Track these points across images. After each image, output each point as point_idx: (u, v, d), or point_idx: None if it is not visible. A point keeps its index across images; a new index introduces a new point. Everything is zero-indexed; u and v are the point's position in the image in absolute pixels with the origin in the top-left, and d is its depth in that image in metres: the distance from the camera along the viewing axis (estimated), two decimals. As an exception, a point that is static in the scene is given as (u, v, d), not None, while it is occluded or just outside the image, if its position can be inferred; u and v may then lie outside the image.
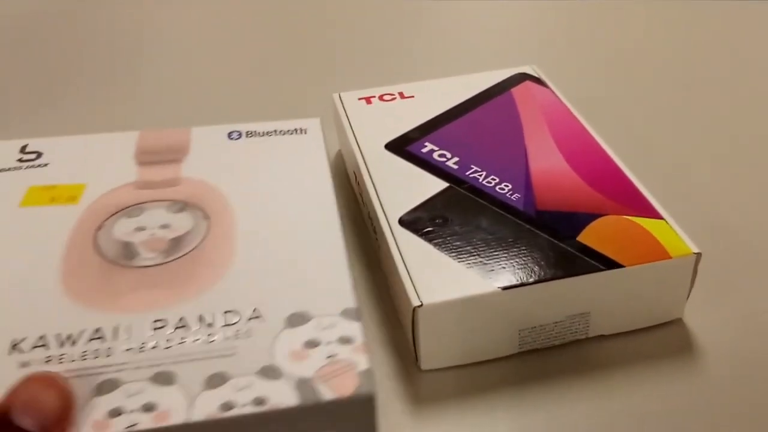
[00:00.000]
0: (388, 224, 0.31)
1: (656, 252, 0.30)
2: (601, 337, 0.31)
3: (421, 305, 0.28)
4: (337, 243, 0.26)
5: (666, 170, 0.41)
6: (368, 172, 0.34)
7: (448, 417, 0.28)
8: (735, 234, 0.36)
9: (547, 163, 0.35)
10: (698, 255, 0.30)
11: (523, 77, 0.42)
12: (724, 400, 0.28)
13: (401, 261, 0.30)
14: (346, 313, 0.24)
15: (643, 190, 0.33)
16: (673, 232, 0.30)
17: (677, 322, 0.31)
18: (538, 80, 0.41)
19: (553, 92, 0.40)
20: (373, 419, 0.21)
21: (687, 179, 0.40)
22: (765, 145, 0.43)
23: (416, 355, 0.29)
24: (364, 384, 0.21)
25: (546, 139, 0.36)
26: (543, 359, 0.30)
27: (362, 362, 0.22)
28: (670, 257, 0.29)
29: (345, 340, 0.23)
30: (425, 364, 0.29)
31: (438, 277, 0.29)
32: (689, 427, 0.27)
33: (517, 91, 0.41)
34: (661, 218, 0.31)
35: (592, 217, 0.31)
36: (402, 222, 0.31)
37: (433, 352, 0.29)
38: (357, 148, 0.36)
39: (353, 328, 0.23)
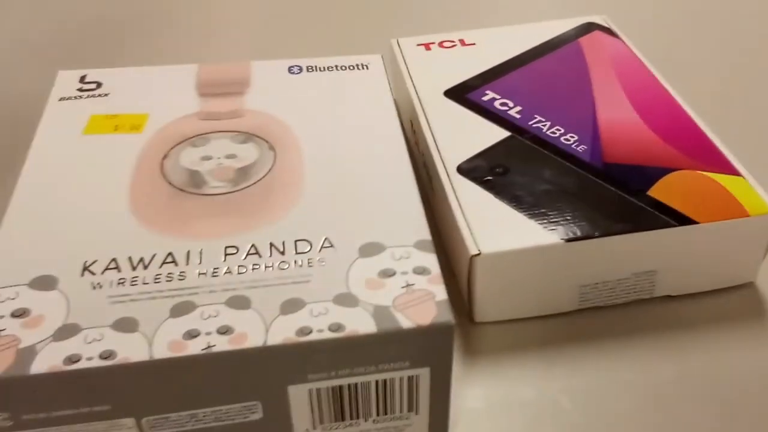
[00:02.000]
0: (446, 172, 0.30)
1: (732, 209, 0.28)
2: (667, 298, 0.29)
3: (479, 254, 0.26)
4: (407, 175, 0.26)
5: (745, 126, 0.38)
6: (426, 118, 0.33)
7: (500, 372, 0.27)
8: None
9: (617, 115, 0.33)
10: (779, 215, 0.28)
11: (592, 27, 0.40)
12: (799, 369, 0.26)
13: (459, 209, 0.28)
14: (420, 245, 0.23)
15: (719, 145, 0.31)
16: (752, 189, 0.28)
17: (749, 286, 0.30)
18: (608, 30, 0.39)
19: (624, 43, 0.38)
20: (450, 350, 0.21)
21: (764, 131, 0.38)
22: None
23: (470, 307, 0.28)
24: (442, 313, 0.21)
25: (616, 90, 0.34)
26: (604, 317, 0.28)
27: (439, 292, 0.21)
28: (748, 215, 0.27)
29: (420, 271, 0.22)
30: (479, 316, 0.28)
31: (497, 227, 0.27)
32: (758, 396, 0.26)
33: (585, 40, 0.38)
34: (739, 174, 0.29)
35: (664, 171, 0.29)
36: (461, 170, 0.30)
37: (489, 304, 0.28)
38: (415, 94, 0.35)
39: (428, 259, 0.22)
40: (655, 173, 0.29)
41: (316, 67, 0.31)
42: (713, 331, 0.28)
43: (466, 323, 0.29)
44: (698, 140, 0.31)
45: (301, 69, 0.31)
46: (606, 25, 0.40)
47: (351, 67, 0.31)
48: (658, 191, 0.29)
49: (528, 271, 0.27)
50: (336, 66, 0.31)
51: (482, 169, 0.30)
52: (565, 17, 0.48)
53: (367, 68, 0.31)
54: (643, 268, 0.28)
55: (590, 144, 0.31)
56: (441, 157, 0.31)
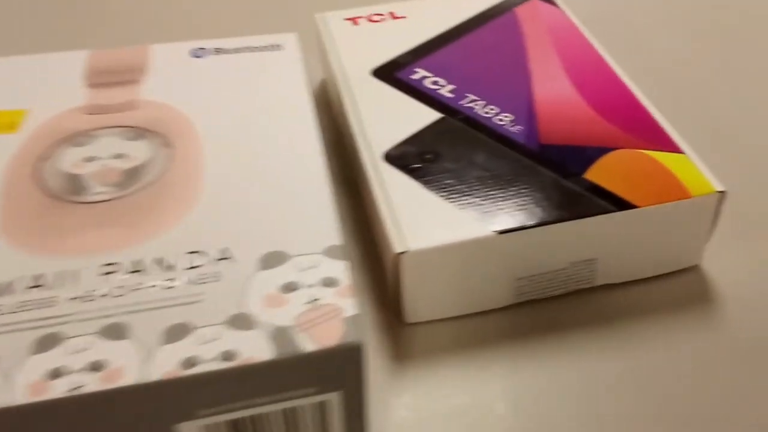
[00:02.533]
0: (372, 160, 0.28)
1: (674, 190, 0.26)
2: (609, 286, 0.28)
3: (406, 252, 0.24)
4: (319, 173, 0.23)
5: (688, 101, 0.37)
6: (352, 101, 0.31)
7: (432, 377, 0.25)
8: (762, 171, 0.32)
9: (554, 91, 0.31)
10: (722, 194, 0.26)
11: (529, -5, 0.37)
12: (746, 352, 0.25)
13: (384, 201, 0.26)
14: (330, 252, 0.20)
15: (661, 120, 0.29)
16: (694, 168, 0.27)
17: (695, 269, 0.28)
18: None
19: (562, 11, 0.36)
20: (361, 373, 0.19)
21: (711, 111, 0.36)
22: (797, 72, 0.38)
23: (401, 307, 0.26)
24: (351, 332, 0.18)
25: (553, 64, 0.32)
26: (543, 310, 0.27)
27: (349, 307, 0.19)
28: (690, 196, 0.26)
29: (329, 282, 0.20)
30: (409, 316, 0.26)
31: (426, 220, 0.25)
32: (707, 382, 0.24)
33: (521, 10, 0.36)
34: (681, 152, 0.27)
35: (603, 151, 0.28)
36: (388, 157, 0.28)
37: (420, 303, 0.26)
38: (340, 73, 0.32)
39: (338, 268, 0.20)
40: (592, 154, 0.28)
41: (223, 49, 0.28)
42: (659, 319, 0.26)
43: (396, 324, 0.27)
44: (638, 116, 0.29)
45: (206, 52, 0.28)
46: (544, -7, 0.37)
47: (263, 48, 0.28)
48: (595, 173, 0.27)
49: (460, 267, 0.25)
50: (246, 47, 0.28)
51: (411, 156, 0.28)
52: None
53: (281, 49, 0.29)
54: (582, 256, 0.26)
55: (526, 124, 0.29)
56: (367, 143, 0.29)
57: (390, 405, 0.24)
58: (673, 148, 0.28)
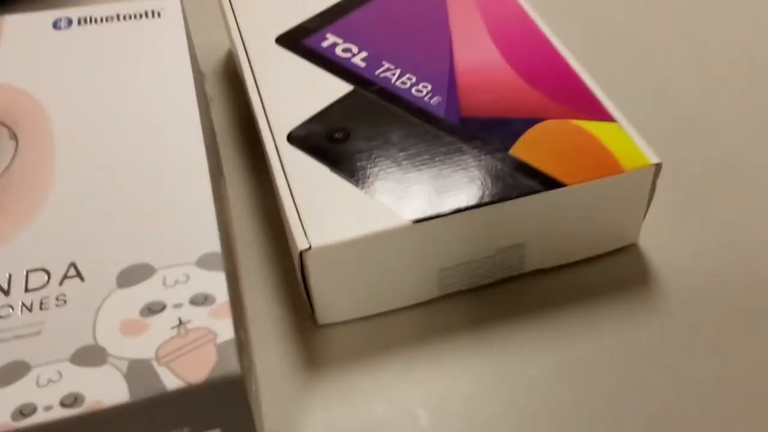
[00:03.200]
0: (274, 141, 0.25)
1: (606, 164, 0.24)
2: (540, 272, 0.25)
3: (310, 248, 0.21)
4: (198, 166, 0.20)
5: (620, 66, 0.34)
6: (252, 73, 0.27)
7: (348, 385, 0.22)
8: (699, 141, 0.31)
9: (477, 57, 0.28)
10: (657, 166, 0.24)
11: (449, -51, 0.34)
12: (686, 332, 0.23)
13: (287, 190, 0.23)
14: (205, 261, 0.17)
15: (594, 88, 0.26)
16: (627, 138, 0.24)
17: (631, 248, 0.26)
18: (468, -47, 0.34)
19: (485, -33, 0.33)
20: (243, 405, 0.16)
21: (645, 77, 0.34)
22: (735, 40, 0.36)
23: (311, 308, 0.23)
24: (225, 361, 0.15)
25: (477, 26, 0.29)
26: (469, 302, 0.24)
27: (223, 330, 0.16)
28: (623, 170, 0.23)
29: (201, 300, 0.16)
30: (322, 317, 0.24)
31: (334, 210, 0.22)
32: (648, 364, 0.22)
33: (442, -34, 0.33)
34: (613, 120, 0.25)
35: (529, 123, 0.25)
36: (291, 138, 0.25)
37: (331, 303, 0.23)
38: (241, 43, 0.29)
39: (213, 282, 0.17)
40: (518, 126, 0.25)
41: (90, 18, 0.24)
42: (595, 304, 0.24)
43: (308, 327, 0.24)
44: (569, 84, 0.27)
45: (70, 22, 0.24)
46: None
47: (137, 16, 0.25)
48: (521, 149, 0.24)
49: (373, 261, 0.23)
50: (118, 16, 0.24)
51: (318, 136, 0.25)
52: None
53: (159, 15, 0.25)
54: (509, 241, 0.24)
55: (446, 95, 0.26)
56: (269, 122, 0.25)
57: (301, 420, 0.21)
58: (606, 117, 0.25)
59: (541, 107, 0.26)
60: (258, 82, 0.27)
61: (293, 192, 0.23)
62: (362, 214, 0.22)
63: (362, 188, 0.23)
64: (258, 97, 0.26)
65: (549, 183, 0.23)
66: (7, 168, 0.19)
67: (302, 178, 0.23)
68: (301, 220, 0.22)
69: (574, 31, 0.36)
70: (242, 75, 0.28)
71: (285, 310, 0.24)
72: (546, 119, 0.25)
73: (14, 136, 0.20)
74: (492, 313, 0.24)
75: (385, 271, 0.23)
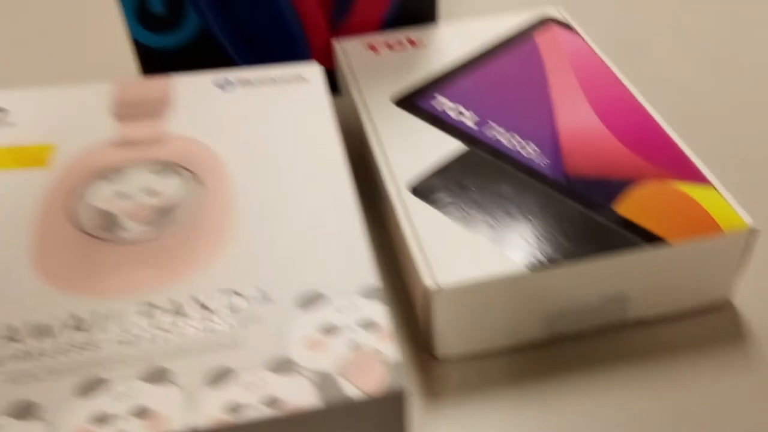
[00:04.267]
0: (398, 192, 0.28)
1: (705, 225, 0.26)
2: (641, 321, 0.27)
3: (438, 288, 0.24)
4: (351, 210, 0.23)
5: (715, 130, 0.37)
6: (375, 130, 0.31)
7: (465, 416, 0.24)
8: (785, 199, 0.32)
9: (577, 121, 0.31)
10: (753, 230, 0.26)
11: (547, 21, 0.37)
12: (779, 392, 0.25)
13: (413, 236, 0.26)
14: (367, 292, 0.20)
15: (688, 151, 0.29)
16: (724, 201, 0.27)
17: (726, 305, 0.28)
18: (564, 24, 0.37)
19: (581, 38, 0.36)
20: (403, 419, 0.18)
21: (739, 141, 0.36)
22: (815, 97, 0.38)
23: (431, 342, 0.26)
24: (394, 378, 0.18)
25: (575, 92, 0.32)
26: (575, 347, 0.27)
27: (390, 352, 0.19)
28: (722, 231, 0.26)
29: (367, 325, 0.19)
30: (440, 351, 0.26)
31: (456, 255, 0.25)
32: (738, 423, 0.24)
33: (540, 36, 0.36)
34: (710, 184, 0.27)
35: (630, 183, 0.27)
36: (414, 190, 0.28)
37: (450, 338, 0.26)
38: (361, 102, 0.32)
39: (376, 311, 0.20)
40: (620, 185, 0.27)
41: (247, 80, 0.28)
42: (691, 355, 0.26)
43: (427, 359, 0.26)
44: (664, 146, 0.29)
45: (230, 83, 0.28)
46: (561, 18, 0.37)
47: (287, 79, 0.28)
48: (624, 206, 0.27)
49: (491, 302, 0.25)
50: (270, 79, 0.28)
51: (437, 188, 0.28)
52: (518, 8, 0.46)
53: (305, 80, 0.28)
54: (613, 291, 0.26)
55: (551, 155, 0.29)
56: (392, 175, 0.28)
57: (423, 445, 0.23)
58: (702, 179, 0.28)
59: (640, 169, 0.28)
60: (380, 139, 0.30)
61: (418, 237, 0.26)
62: (481, 259, 0.25)
63: (480, 235, 0.26)
64: (381, 152, 0.30)
65: (652, 239, 0.25)
66: (196, 208, 0.23)
67: (425, 225, 0.26)
68: (427, 263, 0.25)
69: (660, 95, 0.38)
70: (364, 130, 0.31)
71: (402, 342, 0.27)
72: (645, 180, 0.28)
73: (199, 180, 0.24)
74: (594, 358, 0.26)
75: (500, 311, 0.25)
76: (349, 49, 0.36)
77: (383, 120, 0.31)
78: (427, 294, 0.24)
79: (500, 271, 0.24)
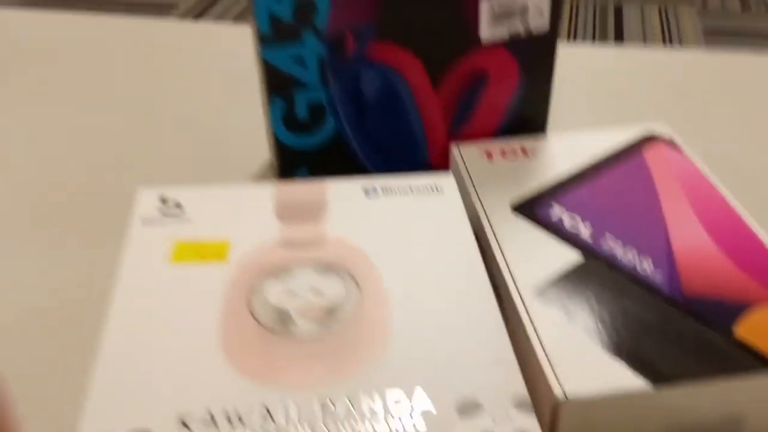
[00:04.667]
0: (521, 298, 0.30)
1: (824, 354, 0.27)
2: (754, 441, 0.28)
3: (566, 399, 0.26)
4: (495, 316, 0.25)
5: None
6: (495, 235, 0.33)
7: None
8: None
9: (691, 240, 0.32)
10: None
11: (653, 138, 0.40)
12: None
13: (539, 344, 0.28)
14: (518, 403, 0.22)
15: (801, 278, 0.30)
16: (841, 332, 0.28)
17: (839, 430, 0.29)
18: (670, 142, 0.39)
19: (687, 157, 0.38)
20: None
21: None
22: None
23: (552, 447, 0.27)
24: None
25: (686, 211, 0.34)
26: (689, 461, 0.27)
27: None
28: (841, 362, 0.27)
29: None
30: (562, 458, 0.27)
31: (581, 366, 0.27)
32: None
33: (649, 153, 0.38)
34: (826, 314, 0.28)
35: (747, 306, 0.29)
36: (538, 297, 0.30)
37: (572, 446, 0.27)
38: (481, 207, 0.35)
39: (530, 424, 0.21)
40: (737, 308, 0.29)
41: (391, 188, 0.31)
42: (803, 478, 0.27)
43: (546, 463, 0.28)
44: (778, 272, 0.30)
45: (376, 190, 0.31)
46: (667, 136, 0.40)
47: (425, 190, 0.31)
48: (743, 329, 0.28)
49: (613, 416, 0.26)
50: (410, 187, 0.31)
51: (560, 297, 0.29)
52: (622, 122, 0.48)
53: (441, 191, 0.31)
54: (731, 412, 0.27)
55: (667, 272, 0.31)
56: (514, 280, 0.30)
57: None
58: (817, 309, 0.29)
59: (755, 293, 0.29)
60: (501, 245, 0.32)
61: (544, 346, 0.28)
62: (606, 374, 0.26)
63: (604, 348, 0.27)
64: (503, 258, 0.32)
65: (773, 365, 0.26)
66: (357, 308, 0.25)
67: (550, 333, 0.28)
68: (555, 372, 0.27)
69: (765, 216, 0.40)
70: (485, 236, 0.34)
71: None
72: (761, 305, 0.29)
73: (356, 283, 0.26)
74: (709, 474, 0.27)
75: (621, 425, 0.27)
76: (466, 154, 0.39)
77: (502, 225, 0.33)
78: (555, 404, 0.26)
79: (625, 387, 0.26)
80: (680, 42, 1.60)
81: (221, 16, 1.73)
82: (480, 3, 0.36)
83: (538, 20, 0.37)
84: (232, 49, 0.57)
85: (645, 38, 1.63)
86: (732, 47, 1.56)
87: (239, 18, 1.69)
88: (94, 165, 0.45)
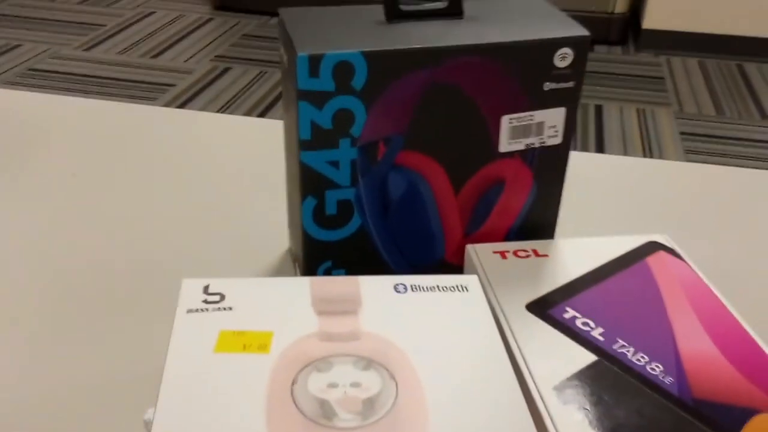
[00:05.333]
0: (539, 394, 0.31)
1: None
2: None
3: (588, 495, 0.27)
4: (523, 414, 0.27)
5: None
6: (512, 334, 0.35)
7: None
8: None
9: (697, 346, 0.34)
10: None
11: (656, 246, 0.42)
12: None
13: (560, 440, 0.29)
14: None
15: (800, 386, 0.32)
16: (840, 439, 0.30)
17: None
18: (672, 251, 0.42)
19: (688, 265, 0.41)
20: None
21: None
22: None
23: None
24: None
25: (690, 317, 0.36)
26: None
27: None
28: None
29: None
30: None
31: (601, 464, 0.28)
32: None
33: (652, 261, 0.41)
34: (825, 421, 0.31)
35: (752, 412, 0.31)
36: (557, 394, 0.31)
37: None
38: (498, 305, 0.37)
39: None
40: (742, 414, 0.31)
41: (420, 286, 0.33)
42: None
43: None
44: (778, 379, 0.33)
45: (406, 288, 0.33)
46: (669, 245, 0.43)
47: (452, 288, 0.33)
48: (750, 434, 0.30)
49: None
50: (437, 286, 0.33)
51: (577, 396, 0.31)
52: (624, 231, 0.51)
53: (467, 290, 0.33)
54: None
55: (676, 376, 0.33)
56: (532, 376, 0.32)
57: None
58: (816, 416, 0.31)
59: (759, 400, 0.31)
60: (518, 342, 0.34)
61: (565, 443, 0.29)
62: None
63: (622, 449, 0.29)
64: (520, 354, 0.34)
65: (780, 469, 0.28)
66: (395, 402, 0.27)
67: (569, 428, 0.30)
68: (577, 470, 0.28)
69: (762, 323, 0.42)
70: (502, 332, 0.36)
71: None
72: (764, 412, 0.31)
73: (393, 377, 0.28)
74: None
75: None
76: (481, 253, 0.41)
77: (518, 323, 0.35)
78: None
79: (644, 485, 0.27)
80: (658, 143, 1.68)
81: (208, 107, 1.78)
82: (501, 121, 0.39)
83: (553, 135, 0.41)
84: (249, 143, 0.60)
85: (624, 136, 1.71)
86: (708, 150, 1.64)
87: (225, 110, 1.75)
88: (121, 254, 0.47)
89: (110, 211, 0.50)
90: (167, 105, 1.73)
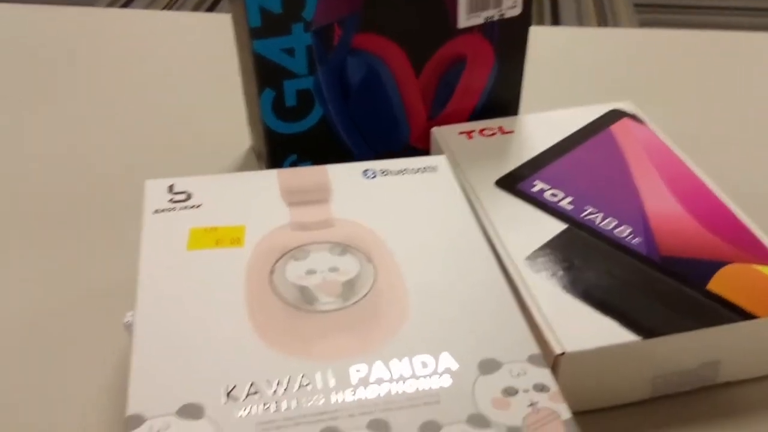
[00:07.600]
0: (514, 265, 0.32)
1: (786, 302, 0.30)
2: (729, 383, 0.31)
3: (564, 353, 0.28)
4: (501, 285, 0.27)
5: None
6: (483, 209, 0.35)
7: (590, 464, 0.28)
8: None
9: (663, 206, 0.35)
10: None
11: (619, 114, 0.42)
12: None
13: (536, 305, 0.30)
14: (533, 359, 0.24)
15: (762, 237, 0.33)
16: (800, 281, 0.31)
17: (800, 369, 0.32)
18: (634, 117, 0.42)
19: (651, 130, 0.41)
20: None
21: (784, 218, 0.40)
22: None
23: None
24: None
25: (655, 180, 0.37)
26: (674, 406, 0.30)
27: (563, 411, 0.23)
28: (801, 307, 0.30)
29: (540, 388, 0.23)
30: (561, 409, 0.30)
31: (575, 324, 0.29)
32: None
33: (616, 128, 0.41)
34: (785, 266, 0.32)
35: (719, 265, 0.32)
36: (529, 264, 0.32)
37: (571, 398, 0.30)
38: (468, 184, 0.37)
39: (545, 375, 0.24)
40: (710, 267, 0.32)
41: (388, 170, 0.33)
42: (771, 413, 0.30)
43: (546, 415, 0.30)
44: (740, 232, 0.34)
45: (375, 173, 0.32)
46: (632, 112, 0.42)
47: (421, 170, 0.33)
48: (716, 285, 0.31)
49: (606, 367, 0.29)
50: (406, 169, 0.33)
51: (549, 263, 0.32)
52: (587, 101, 0.51)
53: (436, 171, 0.33)
54: (709, 358, 0.30)
55: (644, 236, 0.33)
56: (506, 249, 0.33)
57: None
58: (778, 262, 0.32)
59: (725, 252, 0.32)
60: (490, 218, 0.35)
61: (540, 307, 0.30)
62: (599, 330, 0.29)
63: (593, 308, 0.30)
64: (493, 229, 0.34)
65: (744, 314, 0.30)
66: (373, 283, 0.27)
67: (544, 296, 0.30)
68: (552, 330, 0.29)
69: (730, 183, 0.43)
70: (473, 209, 0.36)
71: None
72: (731, 263, 0.32)
73: (369, 260, 0.28)
74: (692, 417, 0.30)
75: (613, 375, 0.29)
76: (447, 135, 0.41)
77: (488, 200, 0.36)
78: (554, 358, 0.28)
79: (617, 340, 0.29)
80: (613, 12, 1.66)
81: (164, 5, 1.70)
82: (458, -8, 0.38)
83: (512, 6, 0.39)
84: (198, 40, 0.58)
85: (579, 8, 1.68)
86: (665, 19, 1.63)
87: (181, 7, 1.67)
88: (74, 162, 0.45)
89: (61, 121, 0.48)
90: (110, 6, 1.64)
